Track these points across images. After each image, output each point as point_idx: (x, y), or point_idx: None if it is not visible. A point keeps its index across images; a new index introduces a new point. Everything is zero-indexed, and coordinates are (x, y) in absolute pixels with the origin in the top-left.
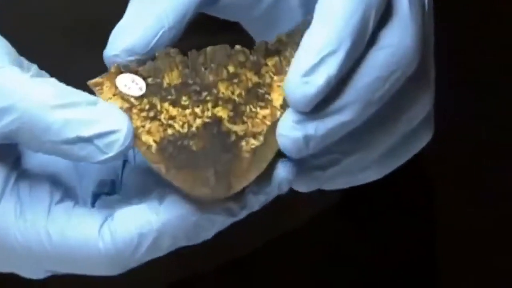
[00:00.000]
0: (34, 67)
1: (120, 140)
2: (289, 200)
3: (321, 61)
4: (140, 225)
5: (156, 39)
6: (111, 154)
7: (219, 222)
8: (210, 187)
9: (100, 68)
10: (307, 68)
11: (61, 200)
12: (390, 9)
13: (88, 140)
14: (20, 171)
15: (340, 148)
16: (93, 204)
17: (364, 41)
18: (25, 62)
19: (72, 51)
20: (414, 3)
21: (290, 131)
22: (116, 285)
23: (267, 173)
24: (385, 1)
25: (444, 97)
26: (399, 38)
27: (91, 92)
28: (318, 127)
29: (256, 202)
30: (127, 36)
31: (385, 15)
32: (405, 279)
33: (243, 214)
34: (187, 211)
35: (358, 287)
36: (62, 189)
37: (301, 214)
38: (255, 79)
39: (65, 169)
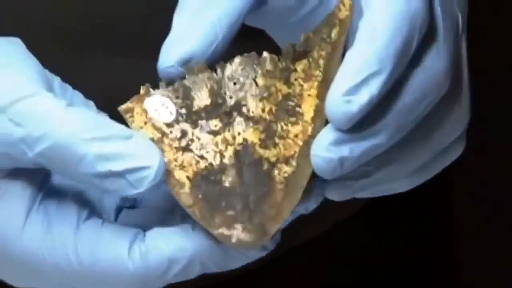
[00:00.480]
0: (57, 80)
1: (150, 176)
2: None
3: (364, 80)
4: (173, 250)
5: (212, 49)
6: (141, 189)
7: (252, 255)
8: (246, 236)
9: (101, 71)
10: (350, 87)
11: (88, 217)
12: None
13: (120, 174)
14: (47, 188)
15: (372, 162)
16: (116, 218)
17: (405, 62)
18: (49, 74)
19: (73, 54)
20: (449, 26)
21: (325, 152)
22: None
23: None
24: (427, 23)
25: None
26: (433, 62)
27: (110, 109)
28: (353, 149)
29: (285, 222)
30: (181, 47)
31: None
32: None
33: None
34: (221, 245)
35: None
36: (89, 205)
37: (326, 222)
38: (284, 89)
39: None
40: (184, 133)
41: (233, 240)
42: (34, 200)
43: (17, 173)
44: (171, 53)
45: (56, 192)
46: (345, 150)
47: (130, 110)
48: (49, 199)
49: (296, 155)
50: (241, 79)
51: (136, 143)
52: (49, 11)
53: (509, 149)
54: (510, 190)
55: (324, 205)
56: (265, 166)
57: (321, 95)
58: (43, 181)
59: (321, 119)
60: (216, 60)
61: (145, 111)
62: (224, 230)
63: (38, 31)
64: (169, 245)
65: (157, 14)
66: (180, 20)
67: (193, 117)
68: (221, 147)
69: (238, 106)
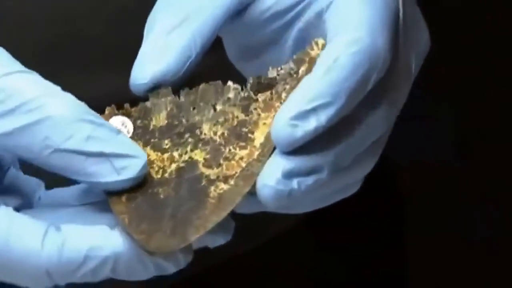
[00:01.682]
0: None
1: (137, 166)
2: (259, 215)
3: (314, 109)
4: (90, 247)
5: (185, 67)
6: (125, 176)
7: (164, 269)
8: (163, 240)
9: (78, 88)
10: (299, 112)
11: None
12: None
13: (107, 156)
14: None
15: None
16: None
17: (359, 99)
18: None
19: (50, 72)
20: (406, 72)
21: (276, 183)
22: None
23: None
24: (388, 64)
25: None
26: (384, 108)
27: None
28: (301, 183)
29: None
30: (154, 65)
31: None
32: None
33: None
34: (138, 250)
35: None
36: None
37: (270, 230)
38: (241, 116)
39: None
40: None
41: (151, 244)
42: None
43: None
44: (145, 70)
45: None
46: (294, 183)
47: None
48: None
49: (237, 175)
50: (201, 104)
51: (124, 137)
52: (27, 27)
53: (464, 159)
54: (464, 200)
55: (264, 214)
56: (203, 182)
57: None
58: None
59: (269, 146)
60: (189, 75)
61: None
62: (145, 235)
63: (17, 49)
64: (87, 241)
65: (135, 29)
66: (153, 35)
67: (147, 136)
68: (166, 163)
69: (192, 128)
